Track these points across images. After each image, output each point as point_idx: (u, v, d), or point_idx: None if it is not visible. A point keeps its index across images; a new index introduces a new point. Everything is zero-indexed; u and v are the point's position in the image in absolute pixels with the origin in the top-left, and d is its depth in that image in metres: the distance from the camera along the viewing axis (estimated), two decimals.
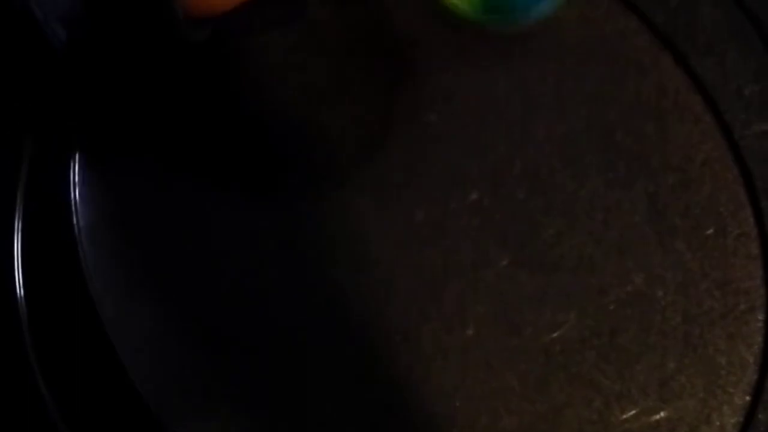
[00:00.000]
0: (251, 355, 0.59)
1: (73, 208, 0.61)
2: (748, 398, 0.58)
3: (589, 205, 0.61)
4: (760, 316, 0.59)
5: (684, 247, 0.61)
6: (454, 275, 0.60)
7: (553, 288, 0.60)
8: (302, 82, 0.63)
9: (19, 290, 0.60)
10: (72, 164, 0.61)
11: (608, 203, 0.61)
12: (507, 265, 0.60)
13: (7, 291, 0.59)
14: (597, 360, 0.59)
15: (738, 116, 0.62)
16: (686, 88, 0.63)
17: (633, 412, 0.58)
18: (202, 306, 0.59)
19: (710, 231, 0.61)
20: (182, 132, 0.62)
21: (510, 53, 0.65)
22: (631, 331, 0.59)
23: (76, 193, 0.61)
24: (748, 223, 0.60)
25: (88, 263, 0.60)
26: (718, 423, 0.58)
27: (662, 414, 0.58)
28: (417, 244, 0.60)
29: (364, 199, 0.61)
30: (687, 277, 0.60)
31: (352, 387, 0.58)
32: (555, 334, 0.59)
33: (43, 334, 0.60)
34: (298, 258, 0.60)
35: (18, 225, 0.61)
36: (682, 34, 0.64)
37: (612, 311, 0.59)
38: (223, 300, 0.60)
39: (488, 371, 0.58)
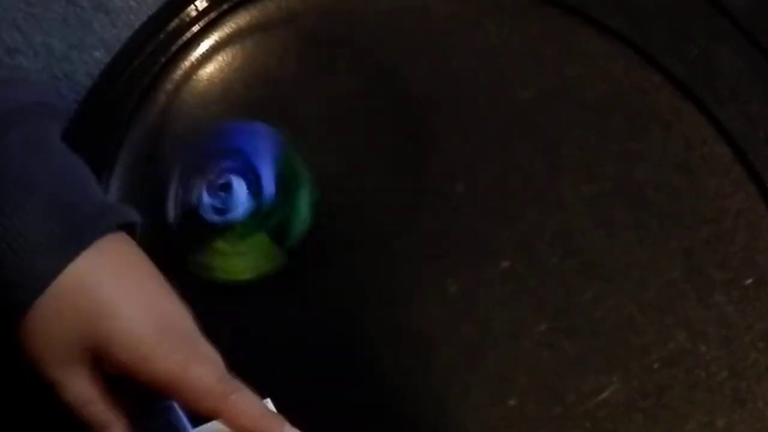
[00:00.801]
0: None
1: None
2: None
3: (624, 264, 0.61)
4: None
5: (724, 300, 0.60)
6: (491, 346, 0.59)
7: (594, 351, 0.59)
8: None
9: None
10: None
11: (643, 261, 0.60)
12: (545, 332, 0.59)
13: None
14: (645, 422, 0.57)
15: None
16: (713, 138, 0.63)
17: None
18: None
19: (749, 281, 0.60)
20: None
21: (530, 116, 0.65)
22: (677, 389, 0.58)
23: None
24: None
25: None
26: None
27: None
28: (452, 316, 0.60)
29: (395, 272, 0.61)
30: (730, 330, 0.59)
31: None
32: (599, 398, 0.58)
33: None
34: (329, 332, 0.60)
35: None
36: (703, 84, 0.64)
37: (656, 371, 0.58)
38: (262, 376, 0.59)
39: None
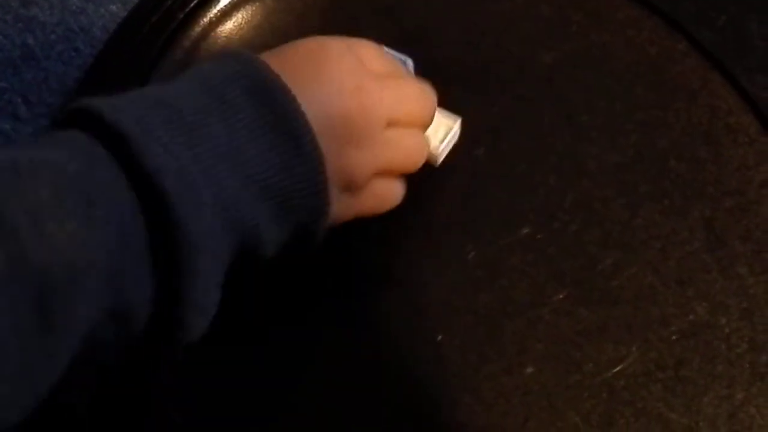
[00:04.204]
0: (300, 414, 0.58)
1: None
2: None
3: (646, 234, 0.60)
4: None
5: (746, 271, 0.59)
6: (510, 314, 0.59)
7: (612, 321, 0.58)
8: None
9: None
10: None
11: (665, 232, 0.60)
12: (564, 300, 0.59)
13: None
14: (663, 393, 0.57)
15: None
16: (738, 108, 0.62)
17: None
18: (252, 365, 0.59)
19: None
20: None
21: (554, 83, 0.64)
22: (696, 361, 0.57)
23: None
24: None
25: None
26: None
27: None
28: (471, 284, 0.59)
29: (414, 240, 0.61)
30: (751, 303, 0.58)
31: None
32: (617, 369, 0.57)
33: None
34: (347, 298, 0.59)
35: None
36: (730, 53, 0.63)
37: (675, 342, 0.58)
38: (272, 348, 0.59)
39: (551, 411, 0.57)
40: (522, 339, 0.58)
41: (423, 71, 0.61)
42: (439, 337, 0.58)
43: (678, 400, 0.57)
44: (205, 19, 0.67)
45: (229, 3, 0.67)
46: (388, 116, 0.52)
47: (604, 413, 0.57)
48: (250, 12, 0.67)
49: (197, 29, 0.67)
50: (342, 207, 0.52)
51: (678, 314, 0.58)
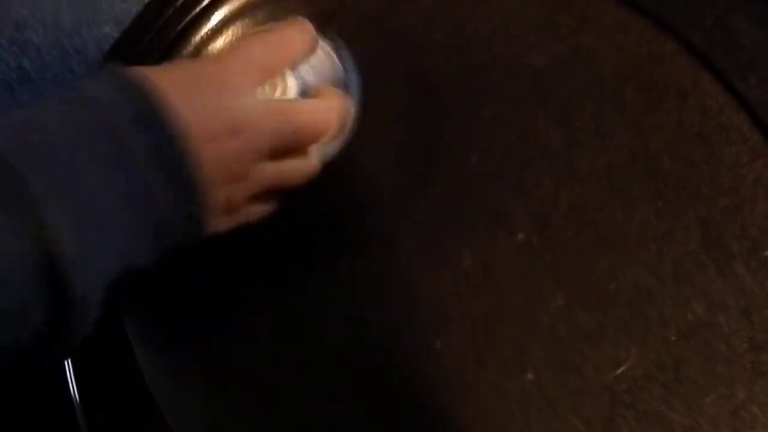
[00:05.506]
0: (303, 406, 0.58)
1: None
2: None
3: (641, 236, 0.60)
4: None
5: (743, 270, 0.59)
6: (508, 319, 0.58)
7: (611, 324, 0.58)
8: None
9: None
10: None
11: (660, 232, 0.60)
12: (562, 305, 0.59)
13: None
14: (664, 395, 0.57)
15: None
16: (730, 107, 0.62)
17: None
18: (255, 361, 0.59)
19: None
20: None
21: (545, 85, 0.64)
22: (696, 362, 0.57)
23: None
24: None
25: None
26: None
27: None
28: (467, 289, 0.59)
29: (409, 245, 0.61)
30: (749, 301, 0.58)
31: None
32: (618, 371, 0.57)
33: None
34: (345, 306, 0.59)
35: None
36: (720, 52, 0.63)
37: (674, 342, 0.58)
38: (270, 347, 0.59)
39: (552, 416, 0.57)
40: (521, 345, 0.58)
41: (412, 76, 0.62)
42: (438, 345, 0.58)
43: (679, 401, 0.56)
44: (197, 38, 0.67)
45: (221, 21, 0.68)
46: (268, 150, 0.51)
47: (606, 417, 0.56)
48: (241, 29, 0.68)
49: (190, 47, 0.67)
50: (237, 195, 0.51)
51: (676, 315, 0.58)
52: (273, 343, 0.59)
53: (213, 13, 0.68)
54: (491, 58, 0.65)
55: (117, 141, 0.44)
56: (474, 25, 0.66)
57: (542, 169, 0.62)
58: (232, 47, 0.52)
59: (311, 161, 0.54)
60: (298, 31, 0.55)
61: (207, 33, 0.67)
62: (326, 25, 0.61)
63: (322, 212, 0.61)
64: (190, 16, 0.67)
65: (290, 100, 0.53)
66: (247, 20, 0.68)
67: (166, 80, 0.46)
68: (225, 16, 0.68)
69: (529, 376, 0.57)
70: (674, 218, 0.60)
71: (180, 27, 0.67)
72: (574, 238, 0.60)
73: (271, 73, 0.52)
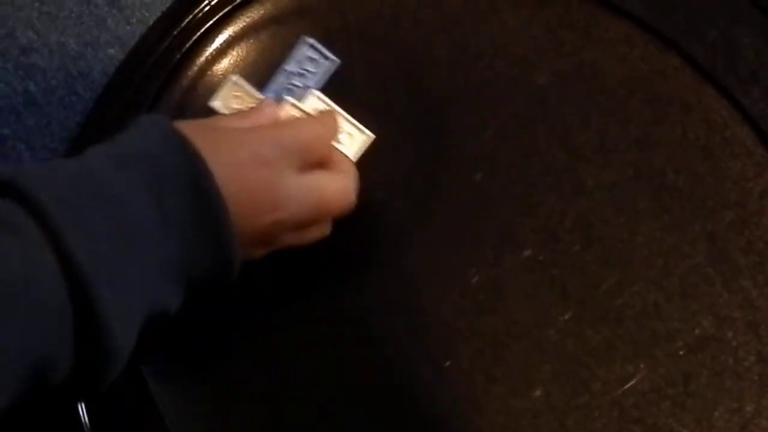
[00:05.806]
0: (311, 425, 0.58)
1: None
2: None
3: (647, 251, 0.60)
4: None
5: (750, 284, 0.59)
6: (516, 336, 0.59)
7: (619, 339, 0.58)
8: None
9: None
10: None
11: (666, 247, 0.60)
12: (569, 321, 0.59)
13: None
14: (672, 409, 0.57)
15: None
16: (734, 121, 0.62)
17: None
18: (269, 382, 0.59)
19: None
20: None
21: (548, 103, 0.64)
22: (705, 376, 0.57)
23: None
24: None
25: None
26: None
27: None
28: (475, 307, 0.59)
29: (416, 263, 0.61)
30: (756, 315, 0.58)
31: None
32: (626, 387, 0.57)
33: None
34: (352, 325, 0.60)
35: None
36: (723, 66, 0.63)
37: (682, 357, 0.58)
38: (281, 367, 0.59)
39: None
40: (529, 361, 0.58)
41: (414, 95, 0.62)
42: (447, 363, 0.58)
43: (688, 416, 0.56)
44: (202, 59, 0.67)
45: (225, 41, 0.68)
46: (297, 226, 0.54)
47: None
48: (245, 49, 0.68)
49: (194, 69, 0.67)
50: (257, 255, 0.54)
51: (684, 329, 0.58)
52: (281, 361, 0.59)
53: (217, 35, 0.68)
54: (494, 76, 0.65)
55: (163, 201, 0.47)
56: (476, 43, 0.66)
57: (547, 185, 0.62)
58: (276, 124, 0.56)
59: (328, 229, 0.57)
60: (331, 122, 0.59)
61: (211, 54, 0.68)
62: (330, 44, 0.61)
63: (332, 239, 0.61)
64: (194, 38, 0.67)
65: (324, 176, 0.56)
66: (251, 41, 0.68)
67: (219, 157, 0.49)
68: (229, 37, 0.68)
69: (538, 392, 0.57)
70: (680, 232, 0.60)
71: (184, 49, 0.68)
72: (581, 254, 0.60)
73: (308, 164, 0.55)
